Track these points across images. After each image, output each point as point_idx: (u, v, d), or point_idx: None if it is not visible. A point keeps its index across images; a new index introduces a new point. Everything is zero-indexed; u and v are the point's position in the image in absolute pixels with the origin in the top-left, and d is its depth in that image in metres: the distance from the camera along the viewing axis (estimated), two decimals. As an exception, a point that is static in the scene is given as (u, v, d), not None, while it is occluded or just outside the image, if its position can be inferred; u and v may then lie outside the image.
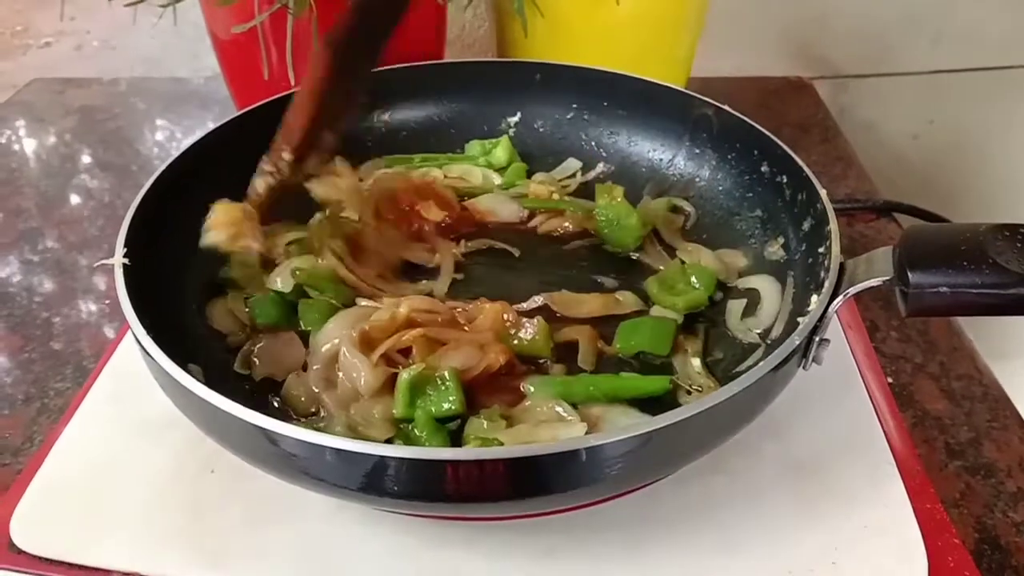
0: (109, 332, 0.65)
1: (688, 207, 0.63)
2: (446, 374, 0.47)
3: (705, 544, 0.46)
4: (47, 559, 0.46)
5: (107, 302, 0.69)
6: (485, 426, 0.45)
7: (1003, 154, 1.16)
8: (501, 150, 0.67)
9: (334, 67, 0.51)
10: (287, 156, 0.52)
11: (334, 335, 0.50)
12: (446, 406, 0.46)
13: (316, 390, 0.49)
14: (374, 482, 0.39)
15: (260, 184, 0.52)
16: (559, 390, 0.48)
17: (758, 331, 0.53)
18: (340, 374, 0.48)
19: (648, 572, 0.45)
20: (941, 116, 1.14)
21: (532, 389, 0.48)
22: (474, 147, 0.69)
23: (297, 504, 0.48)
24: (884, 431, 0.52)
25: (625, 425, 0.42)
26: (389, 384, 0.48)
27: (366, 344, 0.49)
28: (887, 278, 0.43)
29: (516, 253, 0.61)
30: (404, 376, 0.47)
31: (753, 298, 0.55)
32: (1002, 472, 0.54)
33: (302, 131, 0.52)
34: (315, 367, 0.49)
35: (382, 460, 0.38)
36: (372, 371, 0.47)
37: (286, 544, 0.46)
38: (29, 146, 0.93)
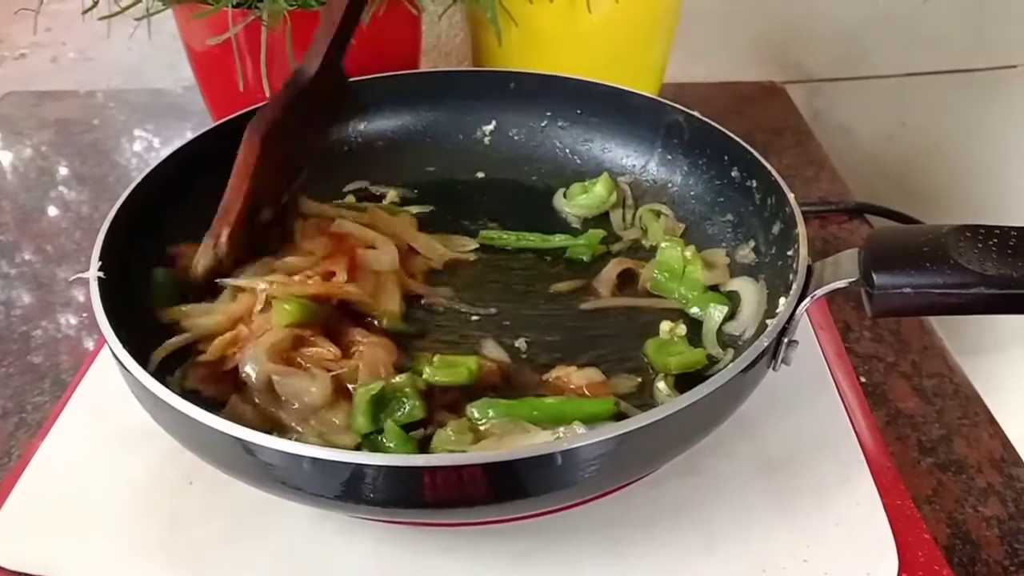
0: (88, 345, 0.65)
1: (668, 211, 0.64)
2: (406, 387, 0.47)
3: (680, 544, 0.46)
4: (25, 574, 0.46)
5: (85, 315, 0.69)
6: (452, 439, 0.45)
7: (973, 155, 1.18)
8: (601, 187, 0.65)
9: (263, 154, 0.53)
10: (224, 237, 0.53)
11: (248, 361, 0.48)
12: (409, 410, 0.46)
13: (272, 410, 0.48)
14: (352, 490, 0.39)
15: (201, 263, 0.54)
16: (502, 411, 0.47)
17: (736, 333, 0.54)
18: (283, 397, 0.48)
19: (624, 573, 0.45)
20: (913, 118, 1.16)
21: (475, 412, 0.47)
22: (575, 189, 0.66)
23: (277, 514, 0.48)
24: (855, 430, 0.52)
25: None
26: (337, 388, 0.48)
27: (280, 357, 0.48)
28: (853, 280, 0.44)
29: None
30: (362, 392, 0.46)
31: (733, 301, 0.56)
32: (973, 468, 0.55)
33: (236, 213, 0.54)
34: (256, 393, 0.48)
35: (360, 468, 0.38)
36: (318, 384, 0.47)
37: (266, 555, 0.46)
38: (5, 159, 0.92)
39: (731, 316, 0.55)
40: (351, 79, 0.61)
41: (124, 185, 0.54)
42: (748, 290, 0.55)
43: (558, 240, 0.62)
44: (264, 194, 0.55)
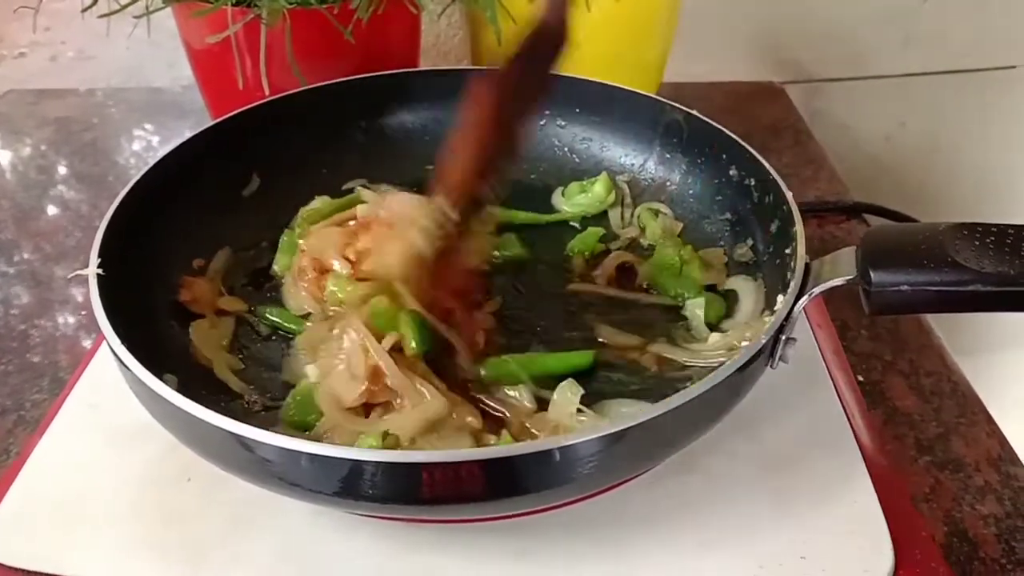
0: (86, 343, 0.65)
1: (666, 210, 0.64)
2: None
3: (677, 542, 0.46)
4: (24, 570, 0.46)
5: (84, 313, 0.69)
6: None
7: (973, 155, 1.18)
8: (600, 186, 0.65)
9: (501, 108, 0.46)
10: (453, 215, 0.47)
11: None
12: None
13: None
14: (349, 486, 0.39)
15: (425, 247, 0.48)
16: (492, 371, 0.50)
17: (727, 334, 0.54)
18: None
19: (621, 570, 0.45)
20: (912, 118, 1.16)
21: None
22: (573, 188, 0.66)
23: (274, 511, 0.48)
24: (852, 428, 0.52)
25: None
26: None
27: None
28: (850, 277, 0.44)
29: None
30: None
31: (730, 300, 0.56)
32: (970, 467, 0.55)
33: (469, 180, 0.47)
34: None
35: (357, 464, 0.38)
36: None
37: (264, 551, 0.46)
38: (4, 157, 0.92)
39: (728, 315, 0.55)
40: (349, 78, 0.60)
41: (123, 183, 0.54)
42: (745, 289, 0.56)
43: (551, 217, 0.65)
44: (489, 164, 0.48)
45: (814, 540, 0.46)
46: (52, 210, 0.83)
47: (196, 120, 0.96)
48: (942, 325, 0.68)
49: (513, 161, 0.51)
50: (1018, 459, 0.56)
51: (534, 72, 0.48)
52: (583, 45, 0.78)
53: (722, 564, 0.45)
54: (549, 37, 0.47)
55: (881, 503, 0.48)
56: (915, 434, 0.58)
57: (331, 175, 0.67)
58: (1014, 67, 1.12)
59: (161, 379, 0.41)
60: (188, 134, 0.60)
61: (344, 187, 0.67)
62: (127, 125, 0.98)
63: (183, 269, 0.57)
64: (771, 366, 0.46)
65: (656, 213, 0.64)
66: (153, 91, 1.04)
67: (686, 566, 0.45)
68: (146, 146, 0.94)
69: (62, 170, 0.89)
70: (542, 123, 0.70)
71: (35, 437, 0.53)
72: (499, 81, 0.46)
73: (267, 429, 0.39)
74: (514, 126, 0.49)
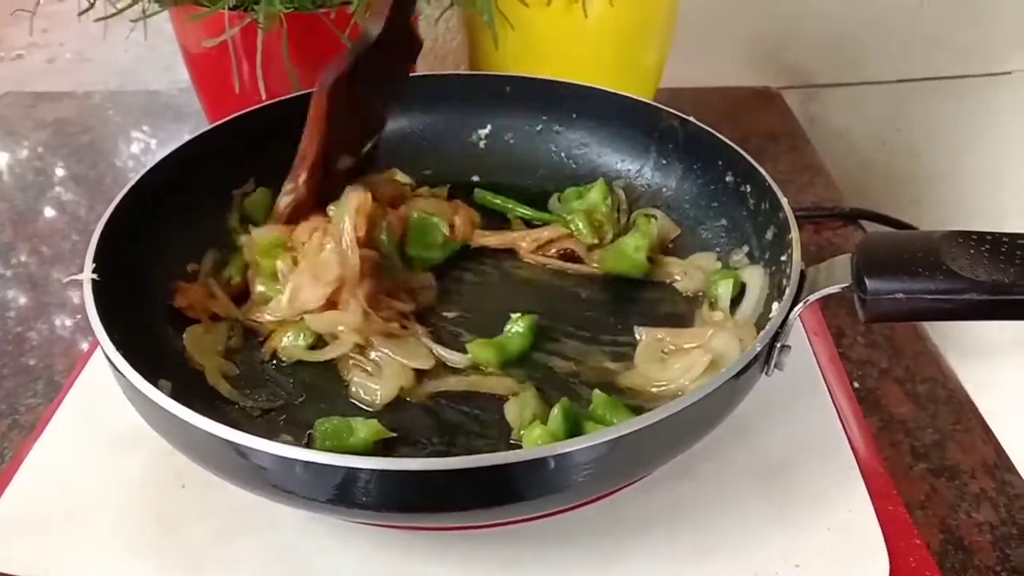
0: (82, 347, 0.65)
1: (662, 215, 0.64)
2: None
3: (672, 549, 0.46)
4: (18, 576, 0.46)
5: (79, 317, 0.69)
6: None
7: (969, 161, 1.18)
8: (596, 192, 0.65)
9: (330, 107, 0.56)
10: (302, 181, 0.57)
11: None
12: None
13: None
14: (344, 494, 0.39)
15: (282, 202, 0.58)
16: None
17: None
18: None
19: (616, 577, 0.45)
20: (908, 124, 1.16)
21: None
22: (569, 194, 0.66)
23: (268, 517, 0.48)
24: (848, 435, 0.52)
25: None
26: None
27: None
28: (846, 285, 0.44)
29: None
30: None
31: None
32: (966, 474, 0.55)
33: (311, 161, 0.57)
34: None
35: (351, 472, 0.38)
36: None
37: (257, 558, 0.46)
38: (1, 160, 0.92)
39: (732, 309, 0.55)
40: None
41: (120, 186, 0.54)
42: (754, 280, 0.56)
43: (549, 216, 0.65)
44: (340, 143, 0.58)
45: (809, 547, 0.46)
46: (49, 212, 0.83)
47: (193, 123, 0.96)
48: (938, 332, 0.68)
49: (371, 141, 0.62)
50: (1014, 467, 0.56)
51: (373, 69, 0.57)
52: (580, 51, 0.79)
53: (717, 571, 0.45)
54: (372, 41, 0.56)
55: (876, 510, 0.48)
56: (910, 441, 0.58)
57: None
58: (1010, 73, 1.13)
59: (156, 385, 0.41)
60: (186, 136, 0.60)
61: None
62: (124, 128, 0.98)
63: (179, 273, 0.57)
64: (766, 373, 0.46)
65: (652, 218, 0.64)
66: (150, 94, 1.04)
67: (681, 573, 0.45)
68: (143, 149, 0.94)
69: (59, 172, 0.89)
70: (539, 128, 0.70)
71: (29, 441, 0.53)
72: (330, 77, 0.55)
73: (262, 435, 0.39)
74: (361, 113, 0.59)
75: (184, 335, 0.53)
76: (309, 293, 0.54)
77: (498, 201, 0.66)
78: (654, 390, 0.51)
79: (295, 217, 0.58)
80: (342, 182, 0.58)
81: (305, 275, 0.54)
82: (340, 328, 0.53)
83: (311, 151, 0.57)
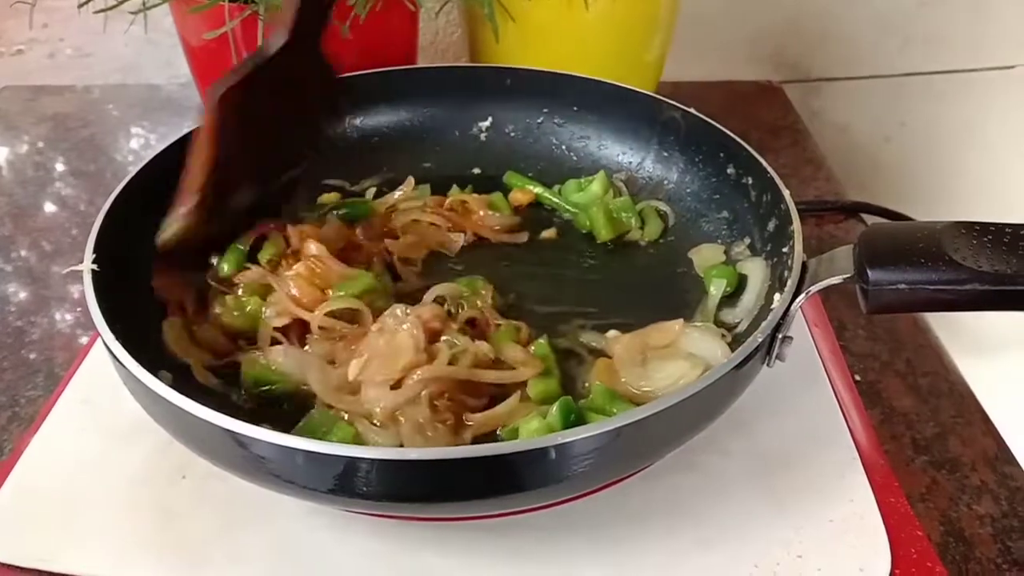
0: (82, 340, 0.65)
1: (664, 208, 0.64)
2: None
3: (674, 540, 0.46)
4: (18, 567, 0.46)
5: (79, 310, 0.68)
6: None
7: (972, 155, 1.18)
8: (597, 185, 0.65)
9: (221, 119, 0.51)
10: (191, 206, 0.52)
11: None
12: None
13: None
14: (344, 483, 0.39)
15: (165, 232, 0.52)
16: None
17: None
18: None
19: (618, 568, 0.45)
20: (912, 118, 1.16)
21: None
22: (570, 186, 0.67)
23: (269, 508, 0.48)
24: (849, 427, 0.52)
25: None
26: None
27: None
28: (848, 275, 0.44)
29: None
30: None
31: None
32: (966, 466, 0.55)
33: (200, 182, 0.52)
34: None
35: (352, 461, 0.38)
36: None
37: (258, 548, 0.46)
38: (2, 154, 0.92)
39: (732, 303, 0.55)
40: (346, 75, 0.61)
41: (120, 180, 0.54)
42: (755, 273, 0.55)
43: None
44: (237, 166, 0.53)
45: (810, 539, 0.46)
46: (49, 207, 0.83)
47: (193, 117, 0.96)
48: (940, 324, 0.68)
49: (281, 179, 0.58)
50: (1015, 459, 0.56)
51: (277, 94, 0.53)
52: (581, 43, 0.79)
53: (718, 562, 0.45)
54: (272, 51, 0.52)
55: (877, 502, 0.48)
56: (912, 433, 0.58)
57: (326, 171, 0.67)
58: (1012, 67, 1.12)
59: (156, 376, 0.41)
60: (186, 131, 0.60)
61: (353, 188, 0.68)
62: (124, 122, 0.98)
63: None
64: (768, 364, 0.46)
65: (653, 211, 0.64)
66: (150, 88, 1.04)
67: (682, 564, 0.45)
68: (143, 143, 0.94)
69: (59, 167, 0.89)
70: (539, 121, 0.70)
71: (29, 434, 0.53)
72: (221, 86, 0.51)
73: (262, 426, 0.39)
74: (262, 140, 0.54)
75: (163, 327, 0.52)
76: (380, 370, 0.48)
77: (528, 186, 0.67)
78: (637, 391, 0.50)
79: (181, 249, 0.52)
80: (245, 218, 0.55)
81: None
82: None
83: (197, 169, 0.52)
